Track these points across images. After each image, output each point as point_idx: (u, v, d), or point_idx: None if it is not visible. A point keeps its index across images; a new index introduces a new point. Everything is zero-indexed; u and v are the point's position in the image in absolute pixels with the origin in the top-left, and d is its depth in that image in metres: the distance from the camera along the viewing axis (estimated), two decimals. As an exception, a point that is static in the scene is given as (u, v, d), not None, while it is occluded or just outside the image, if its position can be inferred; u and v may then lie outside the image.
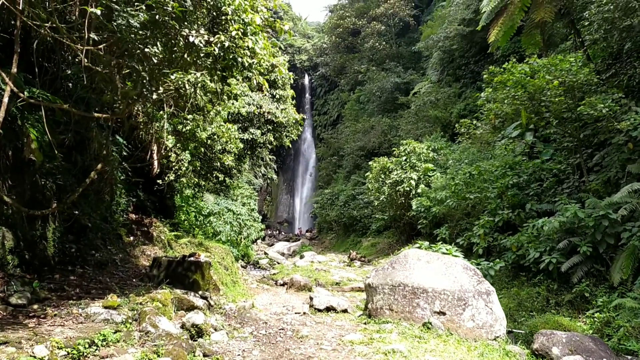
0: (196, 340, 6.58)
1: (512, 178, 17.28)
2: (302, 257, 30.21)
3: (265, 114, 15.82)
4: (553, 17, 18.58)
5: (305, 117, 17.91)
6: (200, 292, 8.98)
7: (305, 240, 46.81)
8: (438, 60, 39.85)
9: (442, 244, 13.77)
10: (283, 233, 61.24)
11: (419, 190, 23.02)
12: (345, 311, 10.58)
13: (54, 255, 7.88)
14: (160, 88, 6.53)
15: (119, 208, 11.26)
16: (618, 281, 12.08)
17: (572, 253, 13.70)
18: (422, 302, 8.25)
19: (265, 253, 34.86)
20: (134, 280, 9.26)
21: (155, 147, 10.46)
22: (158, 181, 10.64)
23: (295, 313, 10.30)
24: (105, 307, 6.54)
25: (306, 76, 74.03)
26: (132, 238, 11.50)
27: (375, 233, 34.37)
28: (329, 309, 10.61)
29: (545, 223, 14.05)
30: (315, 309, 10.63)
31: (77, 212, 8.85)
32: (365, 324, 8.95)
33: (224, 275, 12.01)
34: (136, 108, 10.76)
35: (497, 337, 7.99)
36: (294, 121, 17.18)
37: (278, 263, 29.72)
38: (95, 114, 7.09)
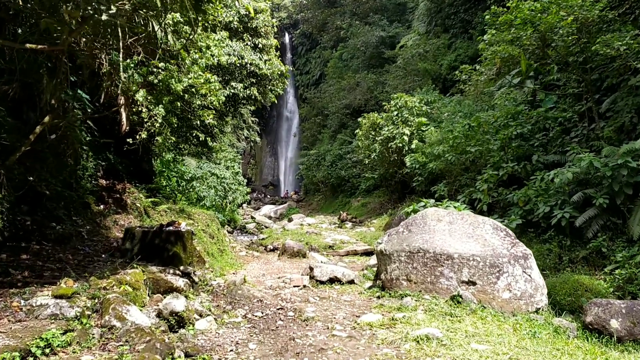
0: (177, 332, 5.35)
1: (515, 128, 16.12)
2: (290, 220, 29.15)
3: (248, 65, 14.26)
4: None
5: (290, 68, 16.35)
6: (181, 268, 7.63)
7: (292, 203, 45.80)
8: (425, 10, 38.10)
9: (448, 201, 12.63)
10: (269, 196, 60.33)
11: (413, 146, 21.81)
12: (351, 282, 9.38)
13: (3, 230, 6.49)
14: (113, 7, 5.09)
15: (86, 173, 9.83)
16: (638, 234, 11.20)
17: (586, 206, 12.77)
18: (446, 270, 7.08)
19: (252, 217, 33.76)
20: (103, 255, 7.92)
21: (122, 101, 8.97)
22: (128, 140, 9.20)
23: (294, 286, 9.08)
24: (57, 297, 5.11)
25: (286, 34, 71.49)
26: (102, 206, 10.12)
27: (364, 193, 33.39)
28: (332, 280, 9.38)
29: (557, 174, 12.96)
30: (316, 280, 9.40)
31: (31, 179, 7.44)
32: (378, 298, 7.73)
33: (210, 244, 10.81)
34: (101, 56, 9.28)
35: (539, 308, 6.87)
36: (279, 73, 15.65)
37: (266, 227, 28.66)
38: (28, 45, 5.62)
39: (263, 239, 21.76)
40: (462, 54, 29.87)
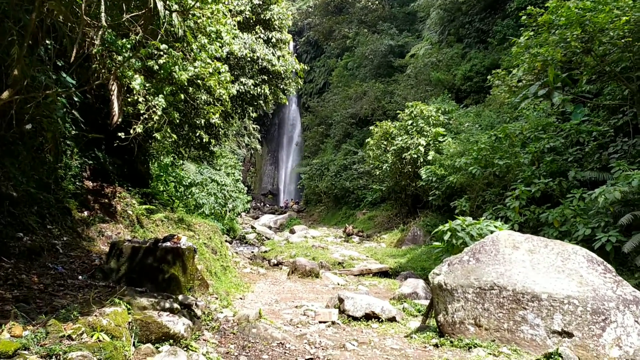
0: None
1: (548, 141, 14.70)
2: (292, 231, 27.63)
3: (260, 60, 12.83)
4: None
5: (305, 67, 14.93)
6: (180, 297, 6.03)
7: (292, 213, 44.30)
8: (437, 19, 36.92)
9: (486, 219, 11.18)
10: (268, 205, 58.99)
11: (429, 158, 20.38)
12: (392, 320, 7.69)
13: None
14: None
15: (68, 173, 8.30)
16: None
17: (632, 229, 11.40)
18: (531, 315, 5.53)
19: (252, 227, 32.26)
20: (80, 277, 6.32)
21: (115, 88, 7.50)
22: (120, 135, 7.71)
23: (321, 322, 7.43)
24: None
25: (291, 42, 70.51)
26: (86, 213, 8.55)
27: (370, 205, 31.95)
28: (368, 316, 7.67)
29: (602, 193, 11.51)
30: (348, 316, 7.70)
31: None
32: (437, 347, 6.10)
33: (213, 261, 9.30)
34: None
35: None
36: (293, 71, 14.21)
37: (267, 238, 27.16)
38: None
39: (265, 251, 20.23)
40: (478, 64, 28.57)
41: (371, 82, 42.44)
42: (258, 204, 58.40)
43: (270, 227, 35.41)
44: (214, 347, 5.45)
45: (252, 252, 20.75)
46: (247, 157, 60.27)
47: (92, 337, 3.82)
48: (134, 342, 4.49)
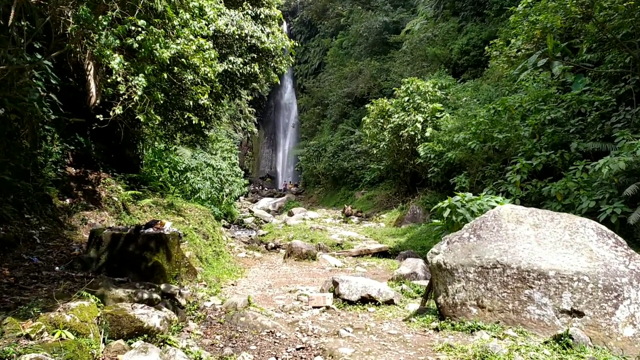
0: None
1: (548, 112, 14.28)
2: (291, 214, 27.32)
3: (248, 38, 12.33)
4: None
5: (297, 44, 14.42)
6: (162, 286, 5.68)
7: (291, 196, 44.03)
8: (432, -7, 36.18)
9: (487, 194, 10.83)
10: (266, 188, 58.77)
11: (427, 134, 19.95)
12: (390, 302, 7.26)
13: None
14: None
15: (49, 159, 7.90)
16: None
17: (637, 200, 11.06)
18: (537, 294, 5.08)
19: (250, 211, 31.99)
20: (57, 268, 5.97)
21: (91, 68, 7.07)
22: (98, 117, 7.29)
23: (314, 307, 7.06)
24: None
25: (284, 23, 69.55)
26: (68, 201, 8.15)
27: (368, 185, 31.64)
28: (365, 299, 7.26)
29: (606, 164, 11.13)
30: (343, 300, 7.28)
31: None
32: (437, 330, 5.68)
33: (203, 247, 8.94)
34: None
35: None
36: (283, 48, 13.70)
37: (265, 222, 26.88)
38: None
39: (263, 235, 19.92)
40: (475, 37, 27.97)
41: (367, 60, 41.85)
42: (256, 188, 58.18)
43: (268, 211, 35.16)
44: (198, 339, 5.07)
45: (250, 236, 20.47)
46: (244, 140, 59.82)
47: (53, 335, 3.47)
48: (104, 339, 4.11)
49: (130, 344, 4.24)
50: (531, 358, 4.26)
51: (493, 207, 9.87)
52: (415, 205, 20.43)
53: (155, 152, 17.21)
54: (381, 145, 23.49)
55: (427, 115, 20.90)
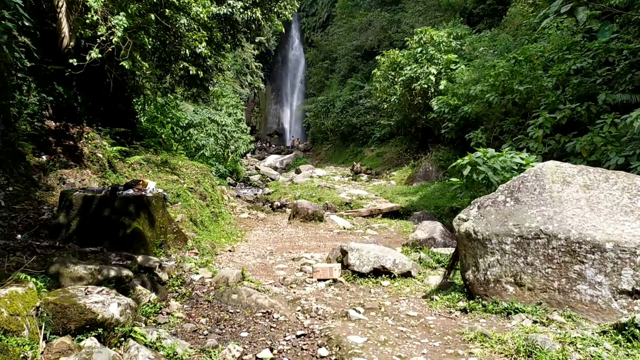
0: None
1: (574, 62, 13.19)
2: (298, 171, 26.58)
3: (248, -21, 11.26)
4: None
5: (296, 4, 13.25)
6: (140, 259, 4.87)
7: (298, 153, 43.24)
8: (446, -63, 34.07)
9: (509, 149, 9.94)
10: (274, 145, 58.00)
11: (441, 87, 18.89)
12: (407, 275, 6.38)
13: None
14: None
15: (24, 111, 7.12)
16: None
17: (671, 156, 10.17)
18: (591, 270, 4.23)
19: (257, 168, 31.29)
20: (19, 236, 5.21)
21: (62, 4, 6.16)
22: (72, 61, 6.43)
23: (319, 280, 6.26)
24: None
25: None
26: (45, 157, 7.37)
27: (378, 142, 30.68)
28: (377, 271, 6.38)
29: (639, 116, 10.16)
30: (353, 272, 6.43)
31: None
32: (465, 312, 4.79)
33: (199, 208, 8.21)
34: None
35: None
36: (287, -9, 12.60)
37: (272, 179, 26.21)
38: None
39: (269, 193, 19.24)
40: (492, -17, 26.35)
41: (377, 11, 40.20)
42: (264, 145, 57.42)
43: (275, 168, 34.49)
44: (179, 324, 4.34)
45: (255, 194, 19.83)
46: (251, 96, 58.55)
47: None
48: (45, 336, 3.28)
49: (80, 340, 3.44)
50: (591, 356, 3.45)
51: (518, 163, 9.03)
52: (428, 162, 19.58)
53: (157, 108, 16.39)
54: (392, 100, 22.45)
55: (441, 67, 19.77)
